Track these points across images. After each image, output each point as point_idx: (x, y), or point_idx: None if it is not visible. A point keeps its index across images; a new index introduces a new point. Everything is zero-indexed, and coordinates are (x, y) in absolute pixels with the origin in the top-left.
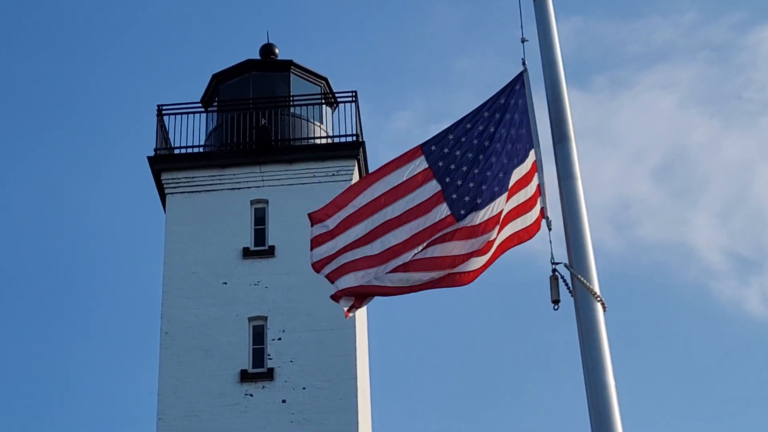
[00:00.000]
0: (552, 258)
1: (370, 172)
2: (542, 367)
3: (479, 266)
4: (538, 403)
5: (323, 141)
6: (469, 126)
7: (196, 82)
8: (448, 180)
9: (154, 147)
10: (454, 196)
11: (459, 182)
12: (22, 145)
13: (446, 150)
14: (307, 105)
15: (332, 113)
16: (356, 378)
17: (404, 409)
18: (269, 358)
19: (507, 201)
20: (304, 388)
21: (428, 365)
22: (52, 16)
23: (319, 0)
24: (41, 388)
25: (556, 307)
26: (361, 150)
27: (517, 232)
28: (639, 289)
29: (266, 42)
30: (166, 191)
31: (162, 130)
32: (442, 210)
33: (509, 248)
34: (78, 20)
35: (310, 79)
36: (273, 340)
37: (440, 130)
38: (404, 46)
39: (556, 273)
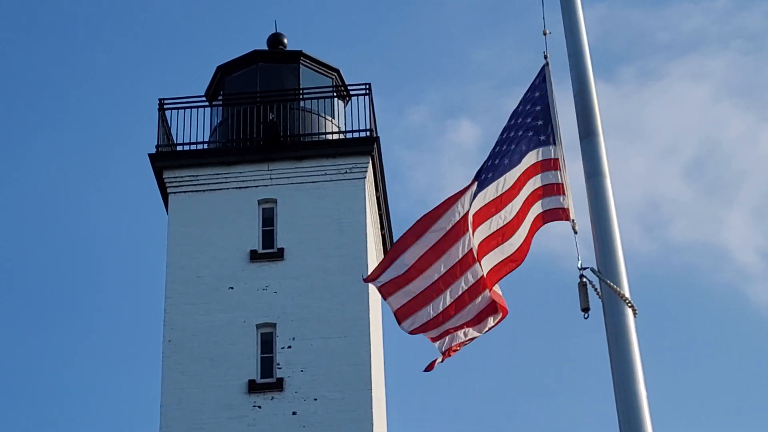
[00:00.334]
0: (579, 263)
1: (384, 170)
2: (567, 376)
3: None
4: (562, 415)
5: (335, 136)
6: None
7: (199, 74)
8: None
9: (156, 143)
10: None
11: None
12: (16, 142)
13: (489, 162)
14: (317, 98)
15: (344, 107)
16: (371, 388)
17: (422, 421)
18: (278, 368)
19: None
20: (315, 400)
21: (448, 374)
22: (49, 6)
23: None
24: (37, 399)
25: (586, 315)
26: (375, 146)
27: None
28: (669, 293)
29: (274, 32)
30: (169, 190)
31: (164, 126)
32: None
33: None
34: (76, 10)
35: (321, 71)
36: (282, 348)
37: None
38: (418, 36)
39: (584, 279)
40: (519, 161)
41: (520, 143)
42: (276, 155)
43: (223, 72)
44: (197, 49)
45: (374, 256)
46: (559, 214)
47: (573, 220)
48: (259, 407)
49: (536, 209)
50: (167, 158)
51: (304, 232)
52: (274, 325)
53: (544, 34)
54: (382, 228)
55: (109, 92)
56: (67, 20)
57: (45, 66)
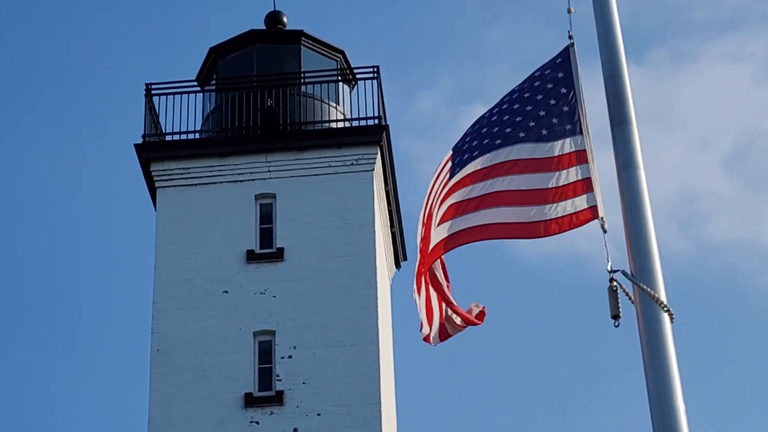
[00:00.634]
0: (609, 265)
1: (394, 160)
2: (595, 387)
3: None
4: (590, 429)
5: (340, 125)
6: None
7: (190, 56)
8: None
9: (143, 133)
10: (459, 158)
11: (474, 142)
12: None
13: (477, 126)
14: (320, 83)
15: (350, 92)
16: (379, 402)
17: None
18: (278, 380)
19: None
20: (318, 415)
21: (464, 386)
22: None
23: None
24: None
25: (616, 323)
26: (384, 135)
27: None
28: (706, 298)
29: (272, 9)
30: (157, 184)
31: (151, 113)
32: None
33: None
34: None
35: (325, 53)
36: (282, 358)
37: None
38: (428, 14)
39: (615, 283)
40: (534, 141)
41: (539, 125)
42: (275, 145)
43: (217, 54)
44: (187, 29)
45: (383, 255)
46: (589, 212)
47: (602, 218)
48: (257, 423)
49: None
50: (155, 149)
51: (306, 230)
52: (273, 333)
53: (569, 11)
54: (391, 225)
55: (91, 76)
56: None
57: (18, 47)
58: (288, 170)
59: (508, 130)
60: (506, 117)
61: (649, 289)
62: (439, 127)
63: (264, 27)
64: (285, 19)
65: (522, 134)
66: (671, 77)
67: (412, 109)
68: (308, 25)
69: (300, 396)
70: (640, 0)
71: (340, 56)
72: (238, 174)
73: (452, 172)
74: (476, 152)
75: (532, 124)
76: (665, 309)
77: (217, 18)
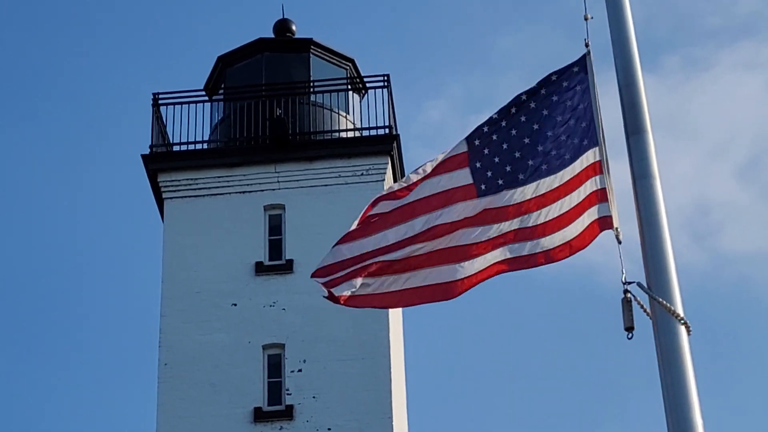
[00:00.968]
0: (623, 277)
1: (406, 170)
2: (610, 401)
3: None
4: None
5: (350, 134)
6: (514, 110)
7: (198, 65)
8: (478, 165)
9: (150, 143)
10: (486, 172)
11: (496, 159)
12: None
13: (495, 137)
14: (330, 92)
15: (360, 101)
16: (391, 416)
17: None
18: (288, 394)
19: (558, 199)
20: (329, 429)
21: (476, 399)
22: None
23: None
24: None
25: (630, 335)
26: (395, 144)
27: (568, 241)
28: (721, 310)
29: (281, 17)
30: (164, 195)
31: (159, 124)
32: (462, 176)
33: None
34: None
35: (334, 61)
36: (292, 371)
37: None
38: (436, 22)
39: (629, 295)
40: (559, 170)
41: (564, 150)
42: (284, 155)
43: (225, 63)
44: (195, 38)
45: None
46: (604, 222)
47: (617, 229)
48: None
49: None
50: (162, 159)
51: (316, 242)
52: (282, 346)
53: (586, 18)
54: None
55: (98, 85)
56: (51, 6)
57: (25, 56)
58: (297, 181)
59: (531, 162)
60: (527, 140)
61: (665, 302)
62: (447, 136)
63: (273, 35)
64: (294, 27)
65: (545, 167)
66: (684, 85)
67: (420, 119)
68: (317, 33)
69: (310, 410)
70: (651, 7)
71: (350, 65)
72: (247, 185)
73: (479, 187)
74: (501, 180)
75: (554, 152)
76: (682, 322)
77: (225, 26)
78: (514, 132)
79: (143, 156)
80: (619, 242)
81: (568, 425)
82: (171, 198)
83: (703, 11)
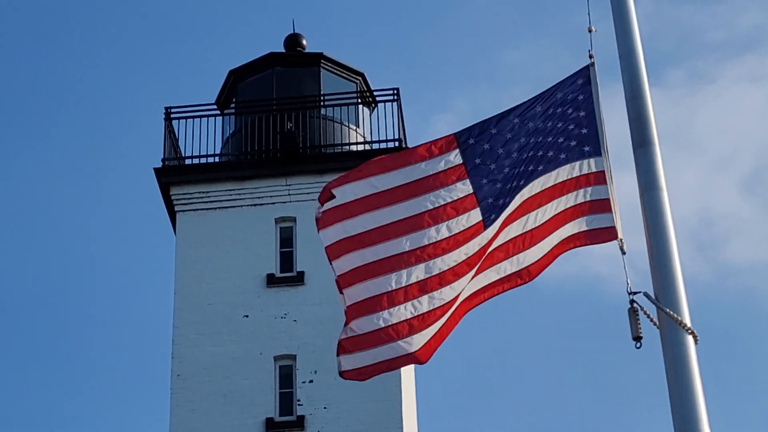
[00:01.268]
0: (629, 287)
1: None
2: (618, 410)
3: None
4: None
5: (360, 147)
6: (517, 121)
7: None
8: (484, 181)
9: (162, 156)
10: (490, 200)
11: (498, 185)
12: (4, 154)
13: (486, 146)
14: (340, 105)
15: (370, 115)
16: (401, 427)
17: None
18: (299, 404)
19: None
20: None
21: (485, 410)
22: (44, 6)
23: None
24: None
25: (638, 345)
26: None
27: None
28: (726, 322)
29: (292, 32)
30: (177, 208)
31: (171, 137)
32: (473, 216)
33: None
34: (74, 10)
35: (344, 75)
36: (303, 382)
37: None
38: (442, 36)
39: (635, 305)
40: (553, 169)
41: (558, 150)
42: (295, 168)
43: (236, 77)
44: (207, 52)
45: None
46: (608, 233)
47: (621, 240)
48: None
49: (574, 227)
50: (174, 173)
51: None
52: (294, 357)
53: (590, 30)
54: None
55: (110, 100)
56: (64, 21)
57: (38, 70)
58: (308, 193)
59: (531, 168)
60: (531, 153)
61: (672, 313)
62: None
63: (283, 50)
64: (304, 42)
65: (540, 167)
66: (688, 99)
67: (427, 132)
68: (327, 48)
69: (321, 421)
70: (656, 22)
71: (360, 78)
72: (258, 197)
73: (488, 217)
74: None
75: (550, 154)
76: (689, 331)
77: (236, 41)
78: (516, 145)
79: (155, 169)
80: (623, 252)
81: None
82: (183, 211)
83: (706, 25)
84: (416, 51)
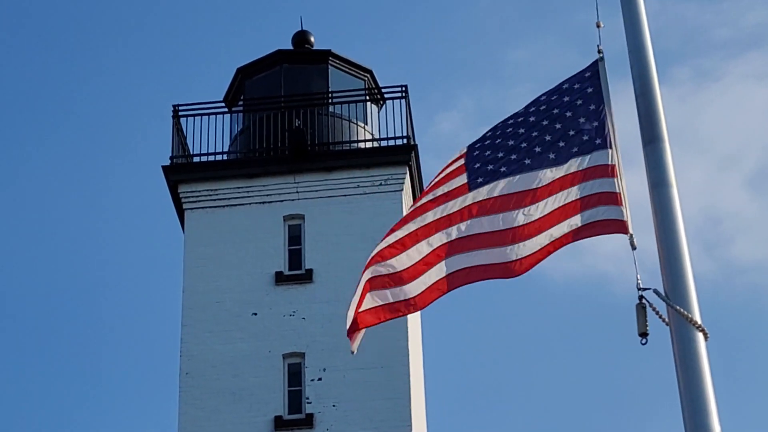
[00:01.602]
0: (639, 283)
1: (423, 180)
2: (628, 408)
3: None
4: None
5: (368, 144)
6: (522, 111)
7: (217, 77)
8: (476, 153)
9: (170, 154)
10: (477, 165)
11: (487, 152)
12: (12, 154)
13: (488, 142)
14: (348, 102)
15: (378, 112)
16: (410, 425)
17: None
18: (308, 402)
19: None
20: None
21: (494, 408)
22: (52, 5)
23: None
24: None
25: (644, 341)
26: (413, 155)
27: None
28: (733, 320)
29: (300, 29)
30: (185, 206)
31: (179, 135)
32: (460, 179)
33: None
34: (82, 9)
35: (352, 72)
36: (312, 380)
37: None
38: (448, 35)
39: (644, 301)
40: (565, 161)
41: (569, 142)
42: (303, 166)
43: (244, 75)
44: (215, 50)
45: None
46: (619, 225)
47: (631, 234)
48: None
49: (584, 218)
50: (183, 171)
51: (335, 251)
52: (302, 355)
53: (598, 26)
54: None
55: (118, 98)
56: (72, 20)
57: (47, 69)
58: (316, 191)
59: (538, 149)
60: (535, 133)
61: (682, 310)
62: (459, 148)
63: (291, 47)
64: (312, 39)
65: (552, 155)
66: (694, 96)
67: (432, 130)
68: (335, 45)
69: (330, 419)
70: (662, 19)
71: (368, 75)
72: (266, 195)
73: (474, 180)
74: (503, 168)
75: (561, 144)
76: (699, 328)
77: (244, 38)
78: (521, 130)
79: (164, 167)
80: (634, 248)
81: None
82: (191, 209)
83: (711, 23)
84: (421, 49)
